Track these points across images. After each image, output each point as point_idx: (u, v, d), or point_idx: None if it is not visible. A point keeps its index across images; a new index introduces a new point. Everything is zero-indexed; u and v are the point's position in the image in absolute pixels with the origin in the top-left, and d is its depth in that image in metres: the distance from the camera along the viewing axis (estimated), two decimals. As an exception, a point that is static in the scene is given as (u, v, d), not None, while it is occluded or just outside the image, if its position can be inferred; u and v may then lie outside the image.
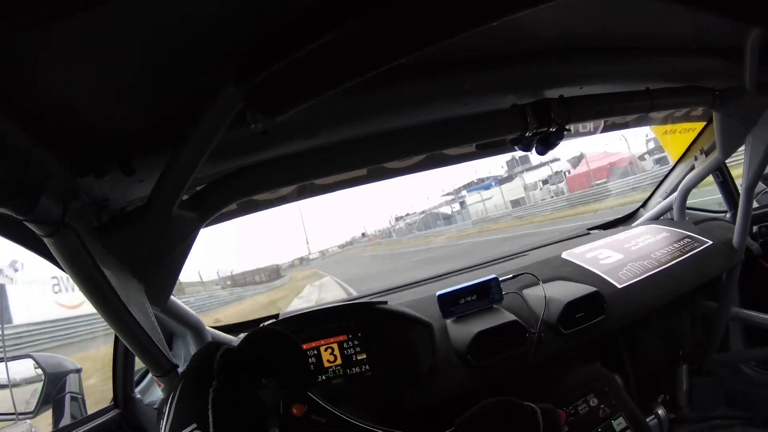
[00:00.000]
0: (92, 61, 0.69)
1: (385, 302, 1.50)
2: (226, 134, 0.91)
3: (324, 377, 1.41)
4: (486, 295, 1.51)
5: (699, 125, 1.92)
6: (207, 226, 1.24)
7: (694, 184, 1.99)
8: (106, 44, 0.66)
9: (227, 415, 0.75)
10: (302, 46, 0.81)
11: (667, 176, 2.16)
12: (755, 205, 2.05)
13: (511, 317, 1.45)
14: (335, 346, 1.43)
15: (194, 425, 0.73)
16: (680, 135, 1.97)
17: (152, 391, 1.67)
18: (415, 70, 1.09)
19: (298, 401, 0.82)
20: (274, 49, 0.80)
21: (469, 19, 0.81)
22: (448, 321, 1.53)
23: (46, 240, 0.77)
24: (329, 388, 1.41)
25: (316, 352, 1.42)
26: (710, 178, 2.04)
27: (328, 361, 1.42)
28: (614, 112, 1.60)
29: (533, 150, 1.43)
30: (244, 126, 0.90)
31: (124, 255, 1.00)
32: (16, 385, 1.54)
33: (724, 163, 1.97)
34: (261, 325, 1.79)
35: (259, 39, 0.78)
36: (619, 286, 1.63)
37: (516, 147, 1.41)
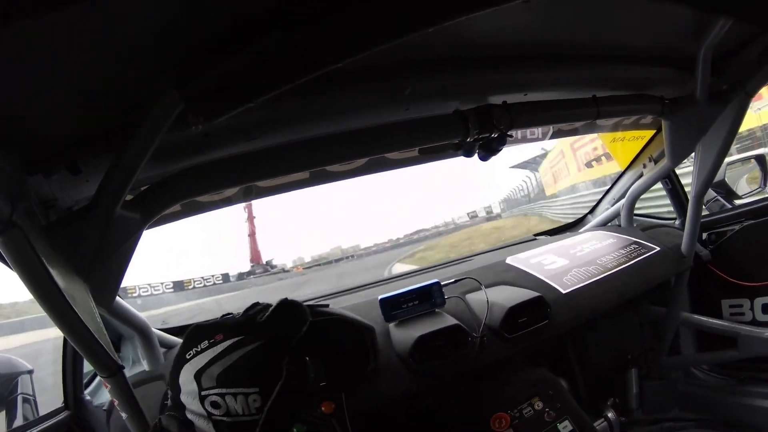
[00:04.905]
0: (37, 65, 0.71)
1: (327, 305, 1.49)
2: (169, 136, 0.94)
3: None
4: (428, 299, 1.53)
5: (648, 133, 1.97)
6: (151, 227, 1.24)
7: (643, 191, 2.03)
8: (50, 50, 0.69)
9: (288, 392, 0.79)
10: (238, 51, 0.83)
11: (615, 183, 2.21)
12: (705, 212, 2.11)
13: (453, 321, 1.46)
14: None
15: (256, 389, 0.78)
16: (629, 143, 2.02)
17: (102, 393, 1.63)
18: (355, 74, 1.11)
19: (332, 399, 0.81)
20: (212, 55, 0.83)
21: (404, 25, 0.83)
22: (391, 325, 1.54)
23: None
24: None
25: None
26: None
27: None
28: (559, 118, 1.63)
29: (476, 155, 1.46)
30: (186, 128, 0.92)
31: (70, 254, 1.00)
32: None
33: (673, 171, 2.02)
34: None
35: (196, 45, 0.81)
36: (564, 291, 1.66)
37: (458, 152, 1.43)
